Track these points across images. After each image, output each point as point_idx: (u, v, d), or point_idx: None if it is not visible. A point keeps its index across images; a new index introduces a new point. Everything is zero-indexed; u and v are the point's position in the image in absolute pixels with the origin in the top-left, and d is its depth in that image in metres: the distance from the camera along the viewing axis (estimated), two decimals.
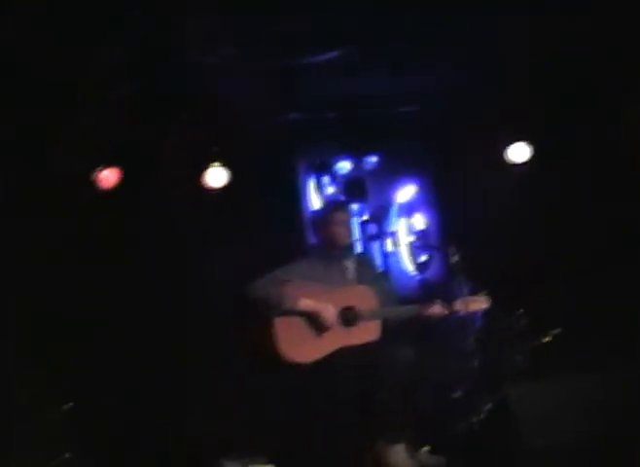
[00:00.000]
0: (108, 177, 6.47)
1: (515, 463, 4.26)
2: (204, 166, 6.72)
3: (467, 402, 5.74)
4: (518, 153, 7.05)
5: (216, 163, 6.73)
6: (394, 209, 7.32)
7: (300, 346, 5.24)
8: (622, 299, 6.65)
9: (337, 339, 5.29)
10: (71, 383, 5.98)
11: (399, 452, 5.04)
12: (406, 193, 7.35)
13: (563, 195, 7.02)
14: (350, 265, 5.60)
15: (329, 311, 5.29)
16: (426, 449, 5.22)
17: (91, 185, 6.42)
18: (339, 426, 5.47)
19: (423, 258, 7.30)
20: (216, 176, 6.75)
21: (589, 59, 6.45)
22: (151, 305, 6.46)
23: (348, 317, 5.34)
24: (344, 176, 7.20)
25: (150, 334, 6.39)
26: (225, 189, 6.74)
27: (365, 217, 7.22)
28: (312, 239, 5.81)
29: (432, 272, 7.23)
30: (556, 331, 6.14)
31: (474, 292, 5.49)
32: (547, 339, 6.11)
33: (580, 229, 6.98)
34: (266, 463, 5.70)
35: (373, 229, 7.23)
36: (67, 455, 4.66)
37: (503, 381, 4.55)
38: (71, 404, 5.58)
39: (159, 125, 6.56)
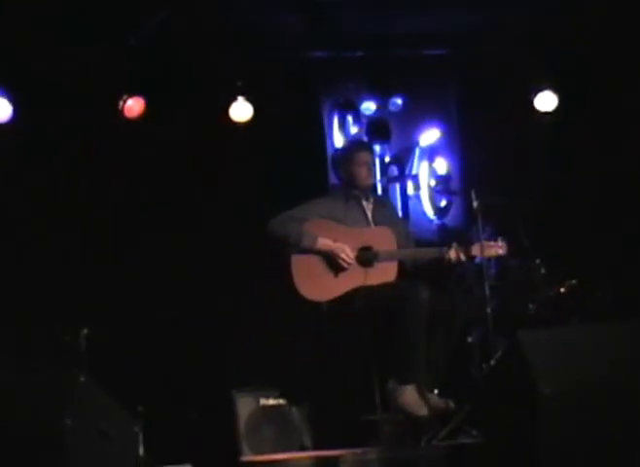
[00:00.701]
0: (133, 107, 6.47)
1: (523, 410, 4.30)
2: (229, 101, 6.71)
3: (479, 347, 5.82)
4: (546, 101, 7.01)
5: (240, 98, 6.71)
6: (417, 152, 7.30)
7: (316, 285, 5.30)
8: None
9: (354, 278, 5.33)
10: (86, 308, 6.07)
11: (409, 393, 5.09)
12: (429, 136, 7.32)
13: (588, 146, 7.02)
14: (370, 206, 5.61)
15: (346, 252, 5.33)
16: (436, 391, 5.27)
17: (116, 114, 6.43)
18: (353, 364, 5.56)
19: (443, 203, 7.30)
20: (240, 111, 6.74)
21: (622, 13, 6.40)
22: (169, 233, 6.50)
23: (366, 257, 5.38)
24: (369, 116, 7.16)
25: (166, 262, 6.43)
26: (249, 124, 6.74)
27: (387, 159, 7.21)
28: (333, 178, 5.83)
29: (451, 218, 7.24)
30: (572, 282, 6.17)
31: (492, 238, 5.49)
32: (561, 289, 6.15)
33: (601, 181, 6.99)
34: (278, 397, 5.80)
35: (394, 171, 7.23)
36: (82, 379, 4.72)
37: (515, 329, 4.57)
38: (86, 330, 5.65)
39: (184, 58, 6.56)
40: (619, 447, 4.18)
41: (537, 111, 7.05)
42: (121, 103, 6.43)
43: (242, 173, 6.65)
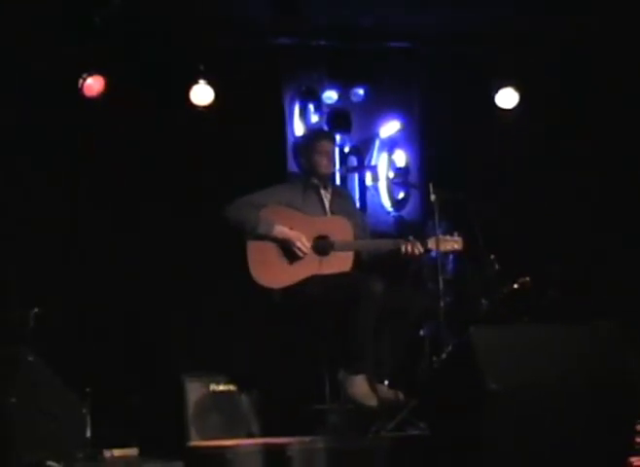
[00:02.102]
0: (93, 86, 6.44)
1: (470, 405, 4.36)
2: (190, 84, 6.69)
3: (430, 341, 5.88)
4: (507, 99, 7.08)
5: (202, 81, 6.70)
6: (376, 144, 7.33)
7: (271, 272, 5.33)
8: (599, 253, 6.79)
9: (309, 267, 5.37)
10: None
11: (359, 383, 5.14)
12: (390, 128, 7.35)
13: (547, 143, 7.10)
14: (328, 195, 5.65)
15: (302, 240, 5.36)
16: (386, 383, 5.32)
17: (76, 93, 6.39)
18: (304, 353, 5.60)
19: (401, 195, 7.34)
20: (201, 94, 6.72)
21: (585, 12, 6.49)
22: (121, 215, 6.48)
23: (322, 246, 5.42)
24: (330, 106, 7.16)
25: (118, 244, 6.41)
26: (209, 108, 6.72)
27: (347, 149, 7.22)
28: (293, 166, 5.86)
29: (409, 210, 7.28)
30: (525, 279, 6.24)
31: (448, 233, 5.54)
32: (514, 286, 6.22)
33: (558, 179, 7.07)
34: (228, 383, 5.81)
35: (353, 161, 7.24)
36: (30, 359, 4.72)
37: (467, 324, 4.63)
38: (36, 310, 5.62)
39: (147, 39, 6.53)
40: (560, 444, 4.27)
41: (498, 108, 7.11)
42: (80, 81, 6.39)
43: (200, 158, 6.63)
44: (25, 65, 6.20)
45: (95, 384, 5.59)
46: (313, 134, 5.93)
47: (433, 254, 5.55)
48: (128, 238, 6.43)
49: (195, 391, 5.77)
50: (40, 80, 6.22)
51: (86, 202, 6.41)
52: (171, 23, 6.49)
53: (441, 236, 5.45)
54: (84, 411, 5.20)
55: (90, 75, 6.42)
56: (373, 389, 5.17)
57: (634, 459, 4.42)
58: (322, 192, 5.63)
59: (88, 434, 5.35)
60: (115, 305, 6.30)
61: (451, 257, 6.09)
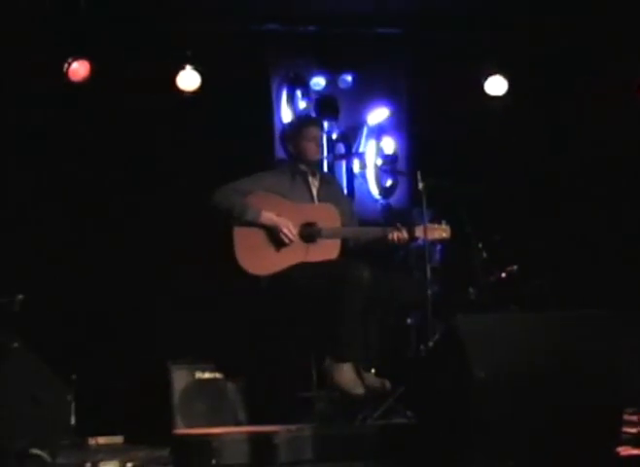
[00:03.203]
0: (78, 70, 6.41)
1: (457, 394, 4.38)
2: (177, 69, 6.67)
3: (417, 329, 5.90)
4: (496, 86, 7.10)
5: (189, 67, 6.68)
6: (364, 131, 7.33)
7: (257, 258, 5.33)
8: (589, 241, 6.81)
9: (296, 254, 5.37)
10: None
11: (345, 371, 5.14)
12: (378, 115, 7.35)
13: (536, 131, 7.11)
14: (316, 182, 5.65)
15: (289, 227, 5.36)
16: (373, 371, 5.33)
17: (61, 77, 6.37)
18: (290, 340, 5.60)
19: (389, 183, 7.35)
20: (188, 80, 6.70)
21: None
22: (106, 201, 6.47)
23: (309, 233, 5.41)
24: (318, 92, 7.17)
25: (102, 229, 6.41)
26: (196, 93, 6.71)
27: (334, 136, 7.22)
28: (280, 152, 5.85)
29: (396, 198, 7.29)
30: (512, 268, 6.27)
31: (435, 221, 5.55)
32: (502, 275, 6.25)
33: (547, 167, 7.09)
34: (214, 371, 5.82)
35: (341, 148, 7.25)
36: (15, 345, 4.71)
37: (454, 313, 4.64)
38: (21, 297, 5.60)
39: (134, 24, 6.51)
40: (547, 434, 4.29)
41: (487, 95, 7.12)
42: (65, 66, 6.37)
43: (187, 144, 6.62)
44: (9, 50, 6.17)
45: (80, 372, 5.60)
46: (301, 121, 5.93)
47: (420, 242, 5.56)
48: (112, 224, 6.41)
49: (180, 379, 5.79)
50: (25, 64, 6.19)
51: (68, 187, 6.39)
52: (157, 8, 6.47)
53: (428, 225, 5.44)
54: (69, 398, 5.19)
55: (76, 59, 6.40)
56: (360, 377, 5.17)
57: (621, 449, 4.44)
58: (310, 179, 5.63)
59: (73, 421, 5.35)
60: (100, 291, 6.30)
61: (439, 245, 6.10)
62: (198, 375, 5.82)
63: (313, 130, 5.63)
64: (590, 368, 4.41)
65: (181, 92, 6.67)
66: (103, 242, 6.37)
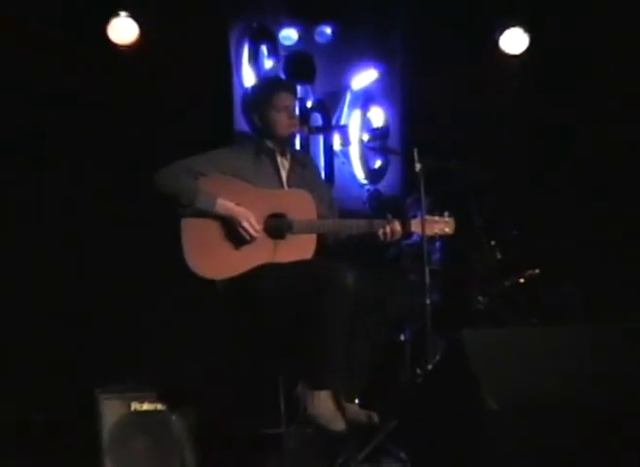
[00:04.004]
0: None
1: (462, 430, 4.43)
2: (108, 16, 6.69)
3: (413, 347, 5.95)
4: (514, 42, 7.16)
5: (123, 13, 6.69)
6: (347, 98, 7.39)
7: (211, 258, 5.35)
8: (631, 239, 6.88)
9: (260, 253, 5.40)
10: None
11: (323, 401, 5.15)
12: (364, 78, 7.42)
13: (563, 100, 7.17)
14: (286, 163, 5.69)
15: (250, 220, 5.38)
16: (357, 401, 5.37)
17: None
18: (252, 361, 5.64)
19: (378, 163, 7.41)
20: (122, 30, 6.68)
21: None
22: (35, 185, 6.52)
23: (277, 227, 5.45)
24: (288, 48, 7.22)
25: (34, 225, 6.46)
26: (132, 48, 6.71)
27: (309, 104, 7.28)
28: (242, 125, 5.88)
29: (387, 183, 7.36)
30: (533, 271, 6.33)
31: (436, 212, 5.60)
32: (520, 280, 6.31)
33: (578, 144, 7.14)
34: (155, 401, 5.84)
35: (317, 120, 7.30)
36: None
37: (459, 327, 4.69)
38: None
39: None
40: None
41: (503, 53, 7.18)
42: None
43: (123, 114, 6.62)
44: None
45: None
46: (268, 85, 5.94)
47: (416, 238, 5.62)
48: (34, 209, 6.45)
49: (112, 411, 5.79)
50: None
51: None
52: None
53: (427, 216, 5.50)
54: None
55: None
56: (341, 409, 5.18)
57: None
58: (279, 159, 5.66)
59: None
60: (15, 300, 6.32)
61: (440, 242, 6.16)
62: (135, 406, 5.83)
63: (284, 97, 5.65)
64: (631, 395, 4.46)
65: (113, 46, 6.68)
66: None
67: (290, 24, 7.22)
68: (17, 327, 6.27)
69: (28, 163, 6.41)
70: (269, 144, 5.64)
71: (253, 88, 6.13)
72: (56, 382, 6.14)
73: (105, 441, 5.75)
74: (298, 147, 6.92)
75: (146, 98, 6.66)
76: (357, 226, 5.57)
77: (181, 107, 6.68)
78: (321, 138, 7.30)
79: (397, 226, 5.50)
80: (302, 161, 5.86)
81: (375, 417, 5.27)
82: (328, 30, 7.26)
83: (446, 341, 5.28)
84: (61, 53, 6.45)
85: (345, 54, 7.39)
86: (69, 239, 6.46)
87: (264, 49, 7.18)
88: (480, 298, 6.19)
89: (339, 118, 7.38)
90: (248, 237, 5.39)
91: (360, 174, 7.37)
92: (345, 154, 7.36)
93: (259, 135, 5.66)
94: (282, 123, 5.63)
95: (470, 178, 5.73)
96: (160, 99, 6.69)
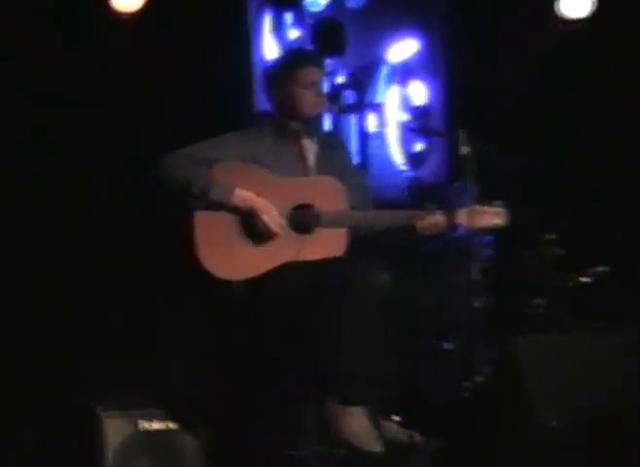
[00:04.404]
0: None
1: (517, 450, 4.43)
2: None
3: (459, 358, 5.93)
4: (576, 4, 7.12)
5: None
6: (383, 72, 7.39)
7: (227, 256, 5.35)
8: None
9: (283, 251, 5.39)
10: None
11: (357, 419, 5.15)
12: (402, 49, 7.41)
13: (631, 71, 7.13)
14: (314, 146, 5.68)
15: (272, 213, 5.38)
16: (396, 418, 5.36)
17: None
18: (274, 374, 5.63)
19: (418, 147, 7.40)
20: None
21: None
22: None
23: (302, 220, 5.44)
24: (315, 15, 7.24)
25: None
26: (137, 16, 6.73)
27: (340, 79, 7.28)
28: (262, 103, 5.87)
29: (429, 169, 7.35)
30: (600, 269, 6.30)
31: (486, 201, 5.60)
32: (584, 279, 6.28)
33: None
34: (165, 419, 5.84)
35: (349, 97, 7.29)
36: None
37: (513, 333, 4.68)
38: None
39: None
40: None
41: (562, 17, 7.15)
42: None
43: (126, 94, 6.63)
44: None
45: None
46: (292, 58, 5.91)
47: (462, 231, 5.60)
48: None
49: (116, 430, 5.77)
50: None
51: None
52: None
53: (476, 207, 5.49)
54: None
55: None
56: (378, 427, 5.18)
57: None
58: (304, 142, 5.66)
59: None
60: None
61: (489, 236, 6.14)
62: (143, 425, 5.82)
63: (310, 72, 5.64)
64: None
65: (117, 15, 6.69)
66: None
67: None
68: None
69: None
70: (294, 125, 5.63)
71: (275, 61, 6.11)
72: (51, 398, 6.15)
73: (110, 463, 5.75)
74: (327, 128, 6.91)
75: (153, 74, 6.67)
76: (394, 218, 5.56)
77: (192, 85, 6.70)
78: (353, 118, 7.27)
79: (440, 218, 5.48)
80: (332, 143, 5.86)
81: (417, 437, 5.26)
82: None
83: (498, 349, 5.26)
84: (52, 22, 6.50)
85: (381, 22, 7.38)
86: (69, 239, 6.52)
87: (287, 16, 7.20)
88: (535, 300, 6.16)
89: (374, 95, 7.36)
90: (269, 233, 5.38)
91: (398, 159, 7.37)
92: (381, 136, 7.34)
93: (281, 116, 5.65)
94: (308, 101, 5.61)
95: (525, 162, 5.69)
96: (168, 76, 6.69)
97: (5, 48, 6.43)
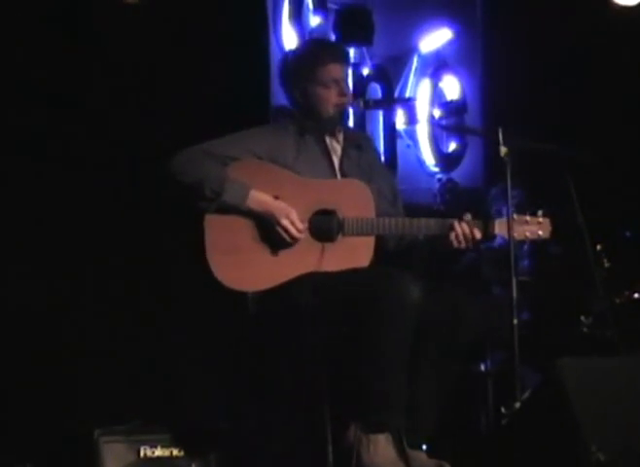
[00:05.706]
0: None
1: None
2: None
3: (496, 381, 5.90)
4: None
5: None
6: (414, 64, 7.38)
7: (242, 265, 5.34)
8: None
9: (303, 260, 5.38)
10: None
11: (382, 447, 5.14)
12: (434, 39, 7.43)
13: None
14: (338, 146, 5.68)
15: (292, 217, 5.37)
16: (424, 447, 5.32)
17: None
18: (292, 396, 5.61)
19: (452, 146, 7.40)
20: None
21: None
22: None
23: (324, 227, 5.42)
24: (340, 1, 7.24)
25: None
26: (144, 4, 6.73)
27: (366, 71, 7.29)
28: (280, 98, 5.84)
29: (463, 171, 7.34)
30: None
31: (526, 209, 5.56)
32: (635, 295, 6.26)
33: None
34: (169, 445, 5.83)
35: (377, 91, 7.31)
36: None
37: (555, 355, 4.65)
38: None
39: None
40: None
41: (611, 4, 7.13)
42: None
43: (132, 88, 6.64)
44: None
45: None
46: (312, 53, 5.88)
47: (500, 241, 5.57)
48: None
49: (116, 457, 5.80)
50: None
51: None
52: None
53: (516, 216, 5.46)
54: None
55: None
56: (404, 457, 5.16)
57: None
58: (328, 140, 5.65)
59: None
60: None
61: (529, 247, 6.12)
62: (144, 451, 5.82)
63: (332, 69, 5.62)
64: None
65: (123, 3, 6.70)
66: None
67: None
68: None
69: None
70: (316, 122, 5.62)
71: (294, 54, 6.06)
72: (46, 423, 6.16)
73: None
74: (352, 125, 6.90)
75: (162, 67, 6.67)
76: (426, 226, 5.53)
77: (205, 76, 6.69)
78: (380, 114, 7.30)
79: (475, 228, 5.45)
80: (358, 142, 5.84)
81: None
82: None
83: (539, 372, 5.22)
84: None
85: (412, 9, 7.39)
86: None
87: (309, 2, 7.21)
88: (582, 318, 6.14)
89: (404, 89, 7.37)
90: (289, 239, 5.38)
91: (430, 160, 7.38)
92: (411, 134, 7.36)
93: (302, 112, 5.65)
94: (330, 100, 5.61)
95: (570, 165, 5.65)
96: (179, 66, 6.69)
97: (5, 48, 6.46)
